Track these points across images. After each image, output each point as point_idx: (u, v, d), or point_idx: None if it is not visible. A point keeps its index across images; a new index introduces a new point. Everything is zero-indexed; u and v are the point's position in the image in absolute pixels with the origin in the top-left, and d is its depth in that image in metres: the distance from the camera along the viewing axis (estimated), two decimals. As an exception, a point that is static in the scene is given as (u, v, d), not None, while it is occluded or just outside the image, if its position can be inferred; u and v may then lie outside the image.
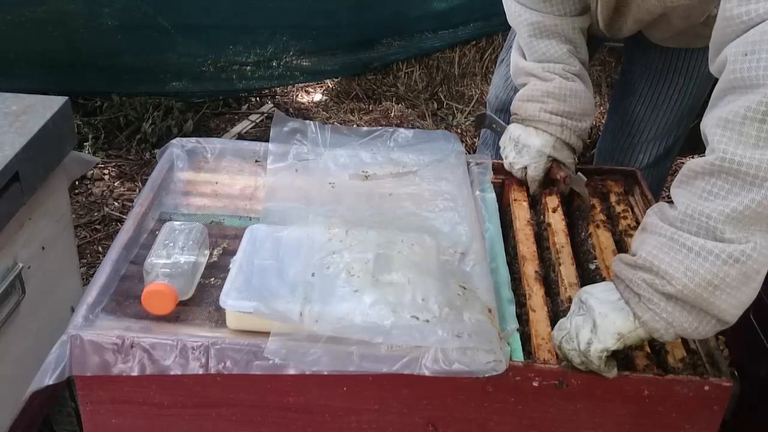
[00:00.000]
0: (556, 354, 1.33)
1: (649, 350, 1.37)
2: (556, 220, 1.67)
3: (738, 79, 1.10)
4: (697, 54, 1.97)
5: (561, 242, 1.60)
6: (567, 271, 1.52)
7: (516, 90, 2.13)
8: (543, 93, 1.75)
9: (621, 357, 1.32)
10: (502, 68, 2.28)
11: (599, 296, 1.28)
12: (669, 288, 1.16)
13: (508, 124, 1.84)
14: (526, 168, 1.76)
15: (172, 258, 1.40)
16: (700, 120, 1.21)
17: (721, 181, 1.12)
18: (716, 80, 1.18)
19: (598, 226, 1.67)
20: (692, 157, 1.23)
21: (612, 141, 2.19)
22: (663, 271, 1.17)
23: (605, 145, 2.24)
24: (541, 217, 1.73)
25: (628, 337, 1.23)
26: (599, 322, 1.24)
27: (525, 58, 1.83)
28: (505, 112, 2.31)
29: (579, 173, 1.76)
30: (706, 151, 1.16)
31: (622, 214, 1.73)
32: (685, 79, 2.01)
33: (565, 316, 1.38)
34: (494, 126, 1.93)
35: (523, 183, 1.79)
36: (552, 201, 1.73)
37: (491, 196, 1.72)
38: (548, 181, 1.78)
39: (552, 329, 1.39)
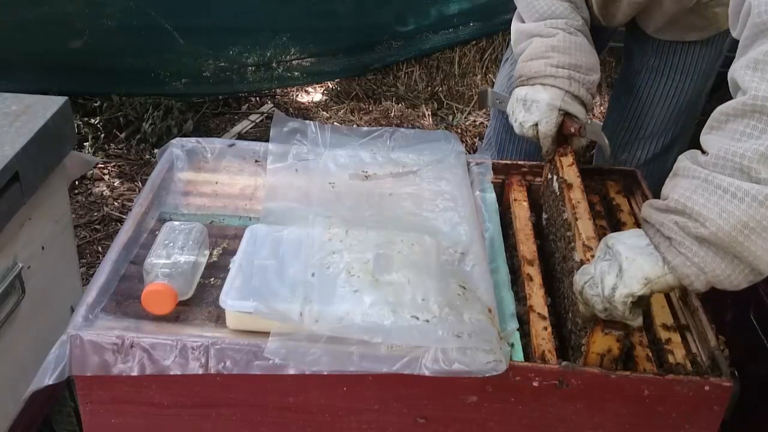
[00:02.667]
0: (556, 353, 1.33)
1: (649, 350, 1.37)
2: (572, 177, 1.61)
3: (765, 21, 1.08)
4: (693, 50, 1.98)
5: (577, 198, 1.55)
6: (584, 225, 1.47)
7: None
8: (547, 48, 1.70)
9: (646, 306, 1.28)
10: (506, 67, 2.28)
11: (627, 241, 1.23)
12: (702, 230, 1.12)
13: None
14: (537, 125, 1.69)
15: (172, 258, 1.40)
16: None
17: (754, 120, 1.09)
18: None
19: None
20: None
21: (610, 137, 2.19)
22: (696, 213, 1.12)
23: None
24: (555, 176, 1.67)
25: (656, 282, 1.18)
26: (626, 266, 1.20)
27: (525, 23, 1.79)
28: None
29: (594, 120, 1.68)
30: (737, 95, 1.13)
31: (622, 215, 1.72)
32: (681, 75, 2.01)
33: (565, 308, 1.38)
34: (498, 101, 1.85)
35: (523, 183, 1.79)
36: (566, 159, 1.67)
37: (491, 196, 1.71)
38: (561, 140, 1.71)
39: (551, 330, 1.39)
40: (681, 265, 1.16)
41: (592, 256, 1.35)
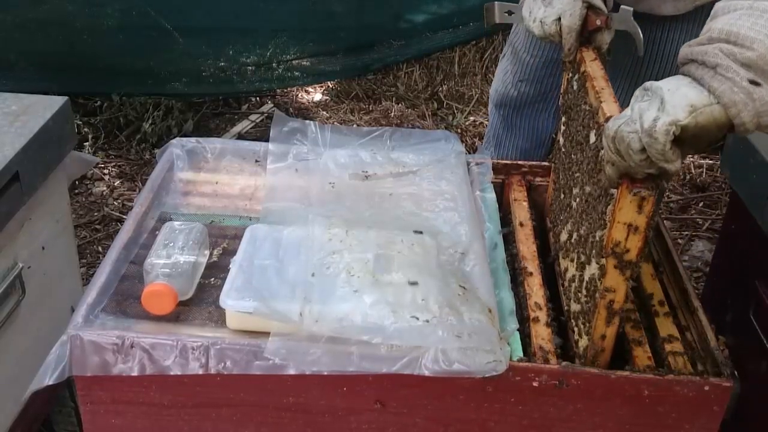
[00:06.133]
0: (556, 353, 1.33)
1: (649, 350, 1.37)
2: (595, 70, 1.51)
3: None
4: (672, 36, 1.97)
5: (601, 85, 1.45)
6: (609, 107, 1.37)
7: (513, 84, 2.10)
8: None
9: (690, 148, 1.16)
10: (502, 63, 2.28)
11: (667, 81, 1.16)
12: (749, 54, 1.06)
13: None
14: (559, 20, 1.57)
15: (172, 258, 1.40)
16: None
17: None
18: None
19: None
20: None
21: None
22: (743, 37, 1.07)
23: None
24: (576, 74, 1.59)
25: (702, 112, 1.10)
26: (668, 97, 1.12)
27: None
28: (504, 106, 2.31)
29: (622, 6, 1.58)
30: None
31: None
32: (660, 64, 2.01)
33: (566, 296, 1.36)
34: (507, 12, 1.74)
35: (523, 183, 1.79)
36: (589, 54, 1.56)
37: (491, 196, 1.71)
38: (582, 40, 1.60)
39: (552, 330, 1.39)
40: (728, 90, 1.08)
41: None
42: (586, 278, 1.38)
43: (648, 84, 1.17)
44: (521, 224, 1.66)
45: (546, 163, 1.80)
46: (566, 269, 1.51)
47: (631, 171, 1.17)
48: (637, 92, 1.18)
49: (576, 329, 1.41)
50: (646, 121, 1.12)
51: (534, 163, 1.83)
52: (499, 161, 1.82)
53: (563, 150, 1.63)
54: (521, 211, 1.71)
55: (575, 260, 1.45)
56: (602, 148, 1.28)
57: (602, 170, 1.25)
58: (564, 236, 1.56)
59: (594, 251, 1.35)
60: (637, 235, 1.22)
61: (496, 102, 2.32)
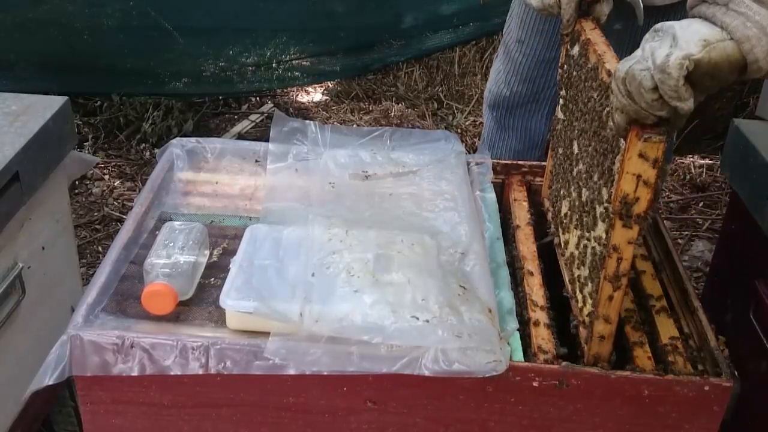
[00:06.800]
0: (555, 353, 1.33)
1: (649, 350, 1.37)
2: (596, 37, 1.49)
3: None
4: None
5: (602, 49, 1.43)
6: (612, 66, 1.35)
7: (506, 83, 2.09)
8: None
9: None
10: (496, 63, 2.27)
11: (678, 21, 1.14)
12: None
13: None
14: None
15: (172, 258, 1.40)
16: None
17: None
18: None
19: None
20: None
21: None
22: None
23: None
24: (576, 44, 1.57)
25: (715, 47, 1.09)
26: (680, 33, 1.10)
27: None
28: (498, 106, 2.31)
29: None
30: None
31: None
32: None
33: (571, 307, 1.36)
34: None
35: (523, 183, 1.79)
36: (588, 24, 1.55)
37: (491, 196, 1.71)
38: (581, 14, 1.58)
39: (552, 329, 1.39)
40: (741, 26, 1.08)
41: None
42: (592, 241, 1.35)
43: (658, 25, 1.15)
44: (521, 224, 1.66)
45: (545, 163, 1.80)
46: (567, 241, 1.51)
47: (641, 116, 1.15)
48: (647, 35, 1.17)
49: (580, 296, 1.40)
50: (658, 57, 1.10)
51: (534, 163, 1.83)
52: (499, 161, 1.82)
53: (563, 122, 1.62)
54: (521, 212, 1.71)
55: (579, 227, 1.44)
56: (608, 106, 1.26)
57: (609, 122, 1.22)
58: (565, 208, 1.55)
59: (600, 210, 1.33)
60: (646, 186, 1.18)
61: (490, 103, 2.32)
